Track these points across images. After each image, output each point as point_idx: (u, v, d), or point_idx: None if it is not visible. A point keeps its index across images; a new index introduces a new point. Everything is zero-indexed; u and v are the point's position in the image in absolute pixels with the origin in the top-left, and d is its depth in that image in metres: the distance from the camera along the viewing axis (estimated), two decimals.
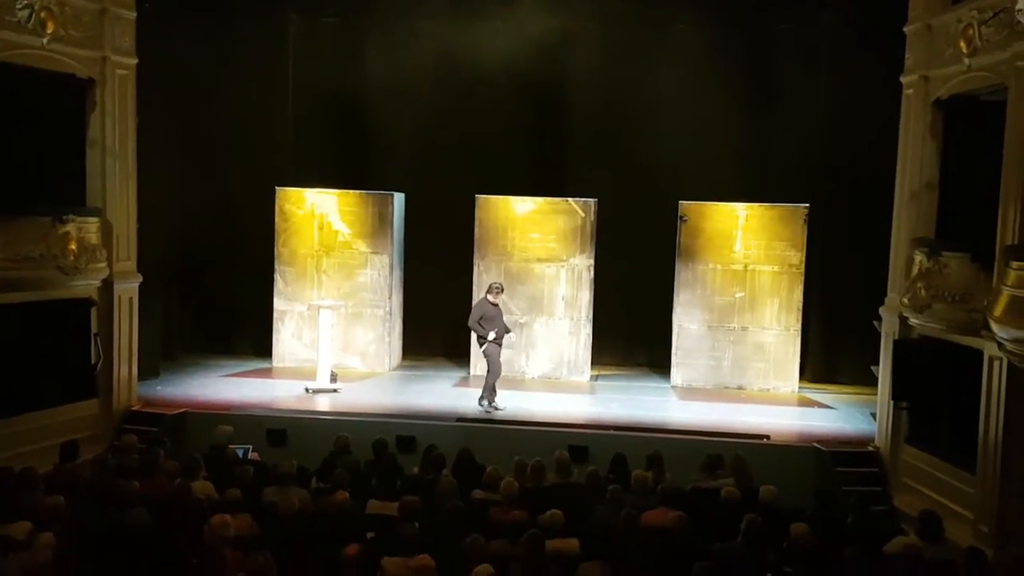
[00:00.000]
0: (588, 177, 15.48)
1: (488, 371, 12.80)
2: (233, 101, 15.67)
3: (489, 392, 12.72)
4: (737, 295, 14.56)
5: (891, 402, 11.26)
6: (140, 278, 12.68)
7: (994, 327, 8.31)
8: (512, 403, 12.94)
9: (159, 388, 13.67)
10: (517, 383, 14.11)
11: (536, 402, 13.16)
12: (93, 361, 11.93)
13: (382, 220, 15.12)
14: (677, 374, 14.77)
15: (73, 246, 11.41)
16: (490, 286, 13.05)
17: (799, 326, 14.54)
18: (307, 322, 15.04)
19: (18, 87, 10.87)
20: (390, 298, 15.19)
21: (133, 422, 12.12)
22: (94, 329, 11.99)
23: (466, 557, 6.70)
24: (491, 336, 12.63)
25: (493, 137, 15.66)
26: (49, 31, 10.97)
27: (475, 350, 14.82)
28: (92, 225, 11.83)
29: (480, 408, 12.67)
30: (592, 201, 14.83)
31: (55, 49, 11.17)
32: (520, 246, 14.94)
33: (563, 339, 14.86)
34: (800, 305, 14.50)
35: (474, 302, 14.82)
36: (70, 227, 11.42)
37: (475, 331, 12.99)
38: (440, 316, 16.11)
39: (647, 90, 15.45)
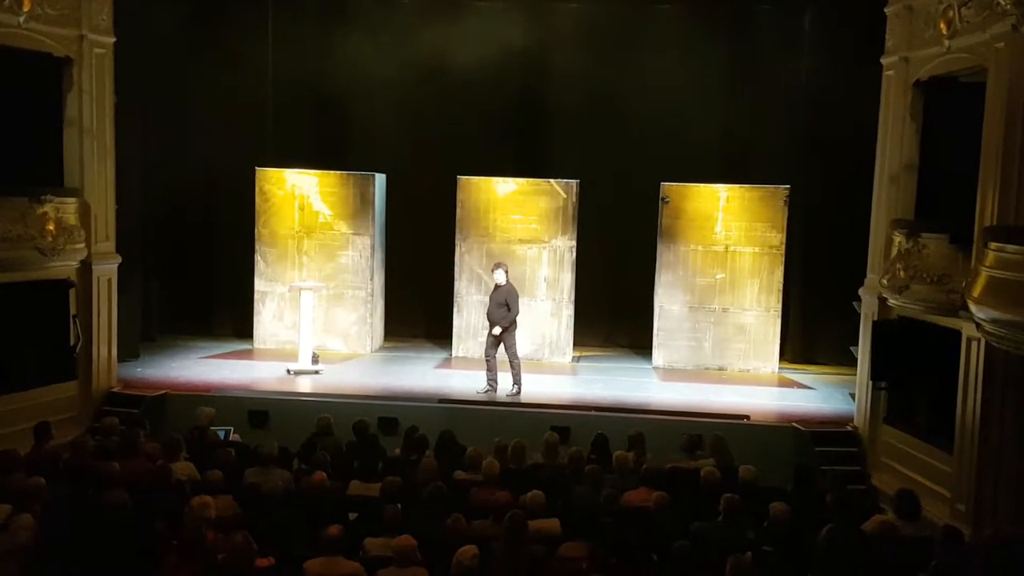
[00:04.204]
0: (570, 158, 15.45)
1: (516, 356, 12.75)
2: (212, 80, 15.53)
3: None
4: (718, 276, 14.61)
5: (870, 382, 11.32)
6: (119, 259, 12.59)
7: (972, 308, 8.36)
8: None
9: (139, 370, 13.61)
10: (499, 364, 14.09)
11: None
12: (72, 343, 11.86)
13: (363, 201, 15.07)
14: (658, 355, 14.81)
15: (51, 227, 11.32)
16: (504, 267, 12.85)
17: (779, 307, 14.59)
18: (288, 303, 14.99)
19: None
20: (372, 279, 15.15)
21: (113, 404, 12.08)
22: (73, 311, 11.90)
23: (447, 537, 6.72)
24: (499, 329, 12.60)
25: (474, 118, 15.57)
26: (26, 9, 10.84)
27: (465, 332, 14.85)
28: (70, 206, 11.74)
29: (511, 392, 12.63)
30: (574, 182, 14.81)
31: (32, 27, 11.03)
32: (502, 227, 14.92)
33: (545, 320, 14.87)
34: (780, 286, 14.55)
35: (457, 285, 14.88)
36: (48, 208, 11.33)
37: (508, 320, 12.67)
38: (422, 298, 16.14)
39: (628, 71, 15.43)
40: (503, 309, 12.56)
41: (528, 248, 14.89)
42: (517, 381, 12.65)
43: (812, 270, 14.99)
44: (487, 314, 12.86)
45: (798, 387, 13.89)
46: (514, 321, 12.65)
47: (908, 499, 7.79)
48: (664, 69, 15.21)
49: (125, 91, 12.70)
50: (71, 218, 11.72)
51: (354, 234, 15.10)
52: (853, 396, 12.19)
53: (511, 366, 12.66)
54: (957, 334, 9.73)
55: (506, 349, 12.64)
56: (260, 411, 11.71)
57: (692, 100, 15.15)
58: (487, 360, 12.74)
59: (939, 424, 10.20)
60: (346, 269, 15.13)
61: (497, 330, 12.56)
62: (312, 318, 13.71)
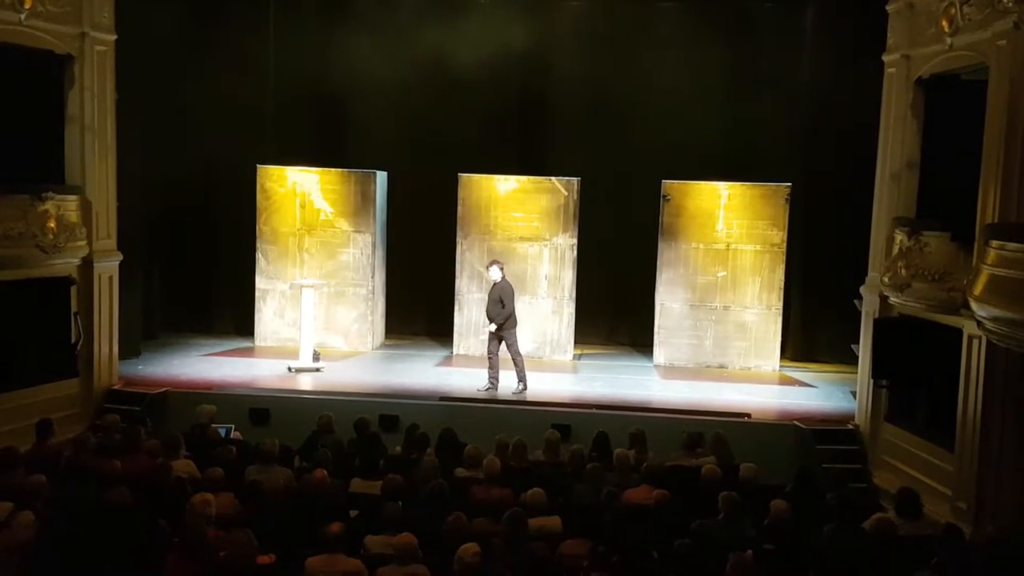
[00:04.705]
0: (571, 156, 15.45)
1: (518, 354, 12.73)
2: (213, 78, 15.52)
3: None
4: (719, 274, 14.60)
5: (871, 380, 11.32)
6: (120, 256, 12.60)
7: (973, 306, 8.36)
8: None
9: (140, 367, 13.61)
10: (501, 362, 14.09)
11: None
12: (73, 340, 11.86)
13: (365, 199, 15.06)
14: (659, 353, 14.81)
15: (52, 224, 11.32)
16: (499, 264, 12.84)
17: (780, 305, 14.58)
18: (289, 301, 14.99)
19: None
20: (373, 277, 15.15)
21: (114, 401, 12.09)
22: (74, 308, 11.90)
23: (448, 535, 6.72)
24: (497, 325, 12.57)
25: (475, 116, 15.59)
26: (27, 6, 10.83)
27: (466, 330, 14.86)
28: (71, 203, 11.74)
29: (517, 390, 12.60)
30: (575, 180, 14.80)
31: (33, 25, 11.03)
32: (503, 225, 14.91)
33: (546, 318, 14.87)
34: (782, 284, 14.54)
35: (458, 283, 14.87)
36: (49, 205, 11.33)
37: (504, 316, 12.63)
38: (423, 295, 16.15)
39: (630, 68, 15.41)
40: (498, 306, 12.56)
41: (529, 246, 14.88)
42: (522, 378, 12.64)
43: (813, 268, 14.97)
44: (485, 311, 12.88)
45: (799, 385, 13.88)
46: (512, 318, 12.63)
47: (909, 498, 7.79)
48: (665, 67, 15.21)
49: (126, 88, 12.70)
50: (72, 215, 11.72)
51: (355, 231, 15.09)
52: (854, 394, 12.19)
53: (514, 364, 12.65)
54: (958, 332, 9.73)
55: (508, 347, 12.64)
56: (261, 409, 11.71)
57: (693, 98, 15.15)
58: (489, 358, 12.73)
59: (940, 422, 10.20)
60: (347, 267, 15.13)
61: (492, 327, 12.55)
62: (313, 316, 13.71)
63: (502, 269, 12.80)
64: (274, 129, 16.01)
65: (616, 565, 6.40)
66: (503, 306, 12.54)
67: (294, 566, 6.50)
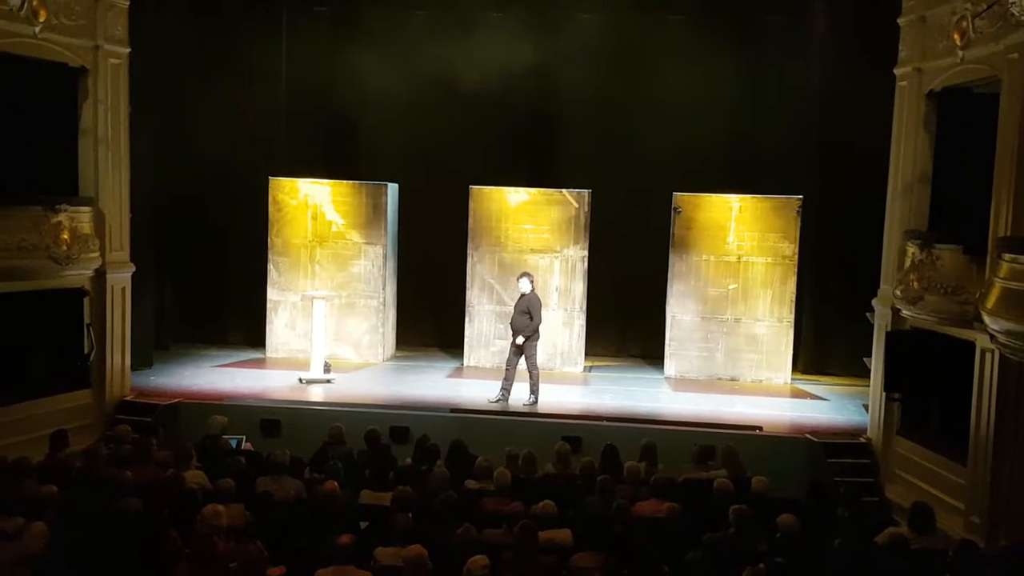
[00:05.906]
0: (582, 168, 15.47)
1: (535, 367, 12.71)
2: (226, 90, 15.61)
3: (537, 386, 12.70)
4: (730, 286, 14.58)
5: (883, 393, 11.27)
6: (133, 268, 12.65)
7: (986, 319, 8.32)
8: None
9: (152, 378, 13.65)
10: (517, 374, 14.07)
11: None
12: (86, 351, 11.91)
13: (376, 210, 15.10)
14: (670, 365, 14.79)
15: (66, 236, 11.39)
16: (530, 276, 12.86)
17: (792, 317, 14.55)
18: (300, 312, 15.03)
19: (10, 76, 10.82)
20: (384, 288, 15.18)
21: (126, 412, 12.09)
22: (87, 319, 11.96)
23: (458, 547, 6.72)
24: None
25: (486, 128, 15.64)
26: (41, 20, 10.91)
27: (477, 342, 14.86)
28: (85, 215, 11.80)
29: (528, 402, 12.57)
30: (586, 192, 14.82)
31: (47, 38, 11.11)
32: (514, 237, 14.93)
33: (556, 330, 14.85)
34: (793, 296, 14.51)
35: (469, 294, 14.88)
36: (63, 217, 11.39)
37: (531, 329, 12.63)
38: (434, 307, 16.17)
39: (640, 81, 15.45)
40: (525, 318, 12.52)
41: (540, 258, 14.89)
42: (534, 391, 12.61)
43: (825, 280, 14.95)
44: (510, 322, 12.83)
45: (811, 398, 13.83)
46: (536, 331, 12.62)
47: (922, 512, 7.74)
48: (676, 79, 15.20)
49: (139, 101, 12.77)
50: (85, 227, 11.79)
51: (366, 243, 15.13)
52: (866, 407, 12.14)
53: (529, 376, 12.62)
54: (971, 345, 9.69)
55: (526, 359, 12.60)
56: (272, 420, 11.72)
57: (704, 110, 15.16)
58: (507, 369, 12.70)
59: (953, 436, 10.15)
60: (358, 278, 15.16)
61: (520, 340, 12.51)
62: (324, 327, 13.74)
63: (532, 281, 12.77)
64: (286, 142, 16.10)
65: None
66: (531, 318, 12.51)
67: None
